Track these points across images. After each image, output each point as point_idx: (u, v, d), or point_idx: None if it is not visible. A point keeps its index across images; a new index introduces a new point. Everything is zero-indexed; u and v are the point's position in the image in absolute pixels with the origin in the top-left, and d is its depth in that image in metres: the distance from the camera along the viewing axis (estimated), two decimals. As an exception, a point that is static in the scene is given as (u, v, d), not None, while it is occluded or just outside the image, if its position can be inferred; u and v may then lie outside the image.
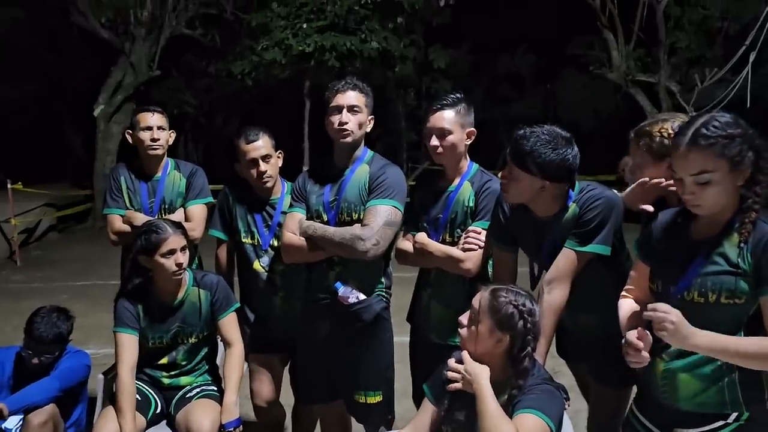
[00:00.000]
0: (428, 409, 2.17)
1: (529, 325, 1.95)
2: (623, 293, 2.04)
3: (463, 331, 2.02)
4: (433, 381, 2.20)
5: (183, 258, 2.64)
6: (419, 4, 12.48)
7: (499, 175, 2.32)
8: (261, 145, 2.84)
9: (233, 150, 2.90)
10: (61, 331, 2.93)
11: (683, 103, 11.81)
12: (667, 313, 1.68)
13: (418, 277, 2.77)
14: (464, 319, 2.04)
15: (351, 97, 2.59)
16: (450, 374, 2.03)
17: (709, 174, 1.68)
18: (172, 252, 2.61)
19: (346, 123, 2.57)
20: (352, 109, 2.58)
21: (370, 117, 2.67)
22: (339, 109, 2.58)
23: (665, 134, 2.16)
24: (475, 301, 2.01)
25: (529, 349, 1.95)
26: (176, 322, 2.73)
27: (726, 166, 1.67)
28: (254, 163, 2.83)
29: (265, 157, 2.84)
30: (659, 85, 12.40)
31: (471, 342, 2.00)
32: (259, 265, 2.91)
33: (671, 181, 2.22)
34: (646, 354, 1.78)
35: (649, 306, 1.74)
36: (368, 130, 2.67)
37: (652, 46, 12.68)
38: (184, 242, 2.66)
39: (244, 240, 2.94)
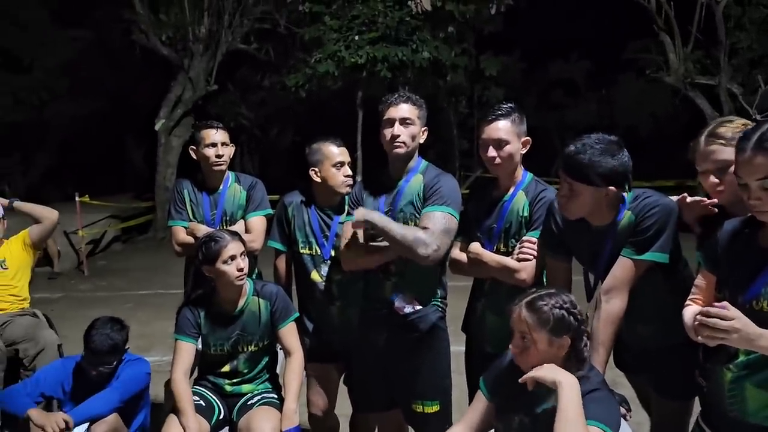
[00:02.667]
0: (481, 402, 2.16)
1: (580, 317, 1.96)
2: (688, 301, 1.98)
3: (522, 357, 1.98)
4: (488, 375, 2.19)
5: (243, 263, 2.73)
6: (470, 13, 12.46)
7: (556, 195, 2.28)
8: (345, 151, 2.99)
9: (309, 156, 2.98)
10: (116, 342, 2.96)
11: (746, 105, 11.40)
12: (730, 319, 1.64)
13: (473, 287, 2.76)
14: (514, 347, 1.99)
15: (403, 110, 2.62)
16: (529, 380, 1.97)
17: None
18: (233, 258, 2.70)
19: (399, 136, 2.61)
20: (405, 122, 2.62)
21: (423, 128, 2.69)
22: (391, 123, 2.62)
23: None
24: (518, 324, 1.97)
25: (585, 337, 1.97)
26: (236, 330, 2.81)
27: None
28: (342, 165, 2.95)
29: (347, 163, 2.98)
30: (720, 87, 12.00)
31: (534, 361, 1.95)
32: (317, 275, 2.97)
33: (713, 200, 2.17)
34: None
35: (703, 311, 1.69)
36: (422, 141, 2.70)
37: (712, 47, 12.29)
38: (242, 248, 2.76)
39: (302, 250, 3.00)
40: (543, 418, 1.94)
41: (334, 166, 2.94)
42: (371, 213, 2.55)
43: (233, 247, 2.72)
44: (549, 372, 1.91)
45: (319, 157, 2.95)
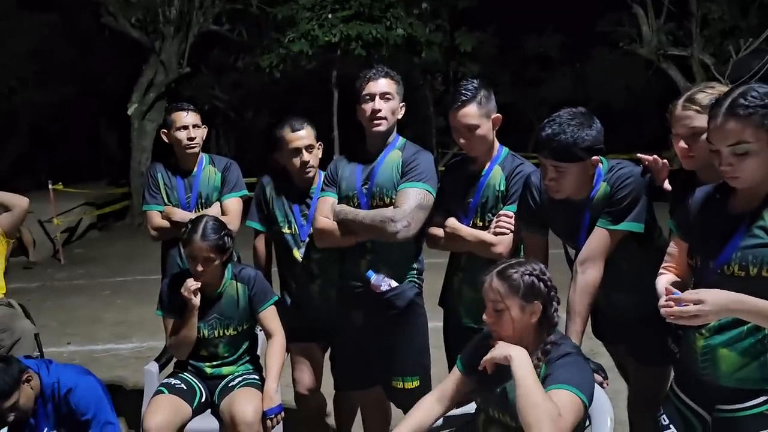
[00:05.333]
0: (455, 377, 2.19)
1: (549, 283, 2.00)
2: (661, 270, 2.00)
3: (496, 326, 2.00)
4: (466, 353, 2.21)
5: (205, 267, 2.67)
6: (444, -11, 12.40)
7: (545, 181, 2.26)
8: (305, 135, 2.87)
9: (273, 140, 2.93)
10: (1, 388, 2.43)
11: (718, 75, 11.53)
12: (700, 302, 1.63)
13: (449, 261, 2.78)
14: (488, 317, 2.02)
15: (383, 84, 2.61)
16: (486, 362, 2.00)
17: (747, 145, 1.64)
18: (194, 258, 2.68)
19: (380, 110, 2.59)
20: (384, 97, 2.61)
21: (401, 104, 2.69)
22: (372, 97, 2.61)
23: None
24: (490, 293, 1.99)
25: (555, 303, 2.01)
26: (214, 313, 2.80)
27: (765, 136, 1.62)
28: (297, 152, 2.86)
29: (308, 147, 2.88)
30: (692, 58, 12.13)
31: (508, 329, 1.98)
32: (299, 254, 2.94)
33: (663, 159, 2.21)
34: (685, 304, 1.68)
35: (667, 300, 1.68)
36: (400, 116, 2.70)
37: (684, 18, 12.38)
38: (208, 254, 2.66)
39: (282, 230, 2.97)
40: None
41: (291, 154, 2.87)
42: (338, 212, 2.61)
43: (198, 248, 2.65)
44: (499, 350, 1.94)
45: (280, 145, 2.90)
